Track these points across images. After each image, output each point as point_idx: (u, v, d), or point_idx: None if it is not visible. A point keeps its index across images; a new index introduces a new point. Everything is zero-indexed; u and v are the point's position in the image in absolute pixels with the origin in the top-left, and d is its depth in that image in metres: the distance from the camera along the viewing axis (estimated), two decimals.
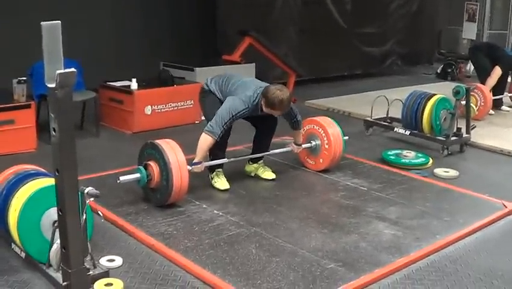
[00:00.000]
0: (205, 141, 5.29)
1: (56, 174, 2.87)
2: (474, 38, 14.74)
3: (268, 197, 5.52)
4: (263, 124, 5.90)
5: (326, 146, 6.11)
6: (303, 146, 6.19)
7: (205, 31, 10.85)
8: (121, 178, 4.98)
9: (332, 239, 4.57)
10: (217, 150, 5.54)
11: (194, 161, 5.30)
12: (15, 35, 8.82)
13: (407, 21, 13.85)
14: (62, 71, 2.55)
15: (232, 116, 5.32)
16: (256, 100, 5.41)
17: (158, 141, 5.10)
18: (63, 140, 2.65)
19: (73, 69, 2.58)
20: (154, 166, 5.04)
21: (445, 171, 6.34)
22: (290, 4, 11.11)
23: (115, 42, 10.25)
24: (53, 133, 2.74)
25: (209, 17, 10.48)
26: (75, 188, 2.95)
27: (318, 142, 6.18)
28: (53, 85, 2.61)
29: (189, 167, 5.13)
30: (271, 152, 6.06)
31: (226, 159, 5.63)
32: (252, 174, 6.02)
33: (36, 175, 4.18)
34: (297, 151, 6.20)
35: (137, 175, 5.07)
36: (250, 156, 6.00)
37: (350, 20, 12.40)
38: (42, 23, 2.52)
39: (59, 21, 2.55)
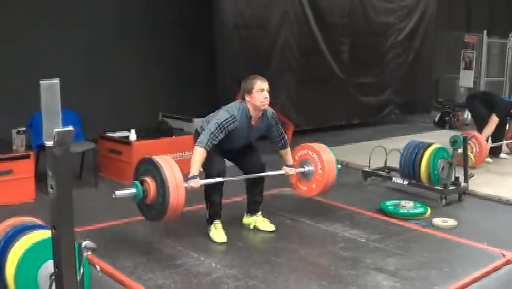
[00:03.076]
0: (196, 152, 5.33)
1: (53, 231, 2.88)
2: (471, 86, 14.89)
3: (267, 249, 5.50)
4: (247, 162, 5.90)
5: (320, 171, 6.12)
6: (297, 170, 6.19)
7: (204, 81, 10.94)
8: (117, 192, 4.93)
9: None
10: (213, 195, 5.54)
11: (189, 176, 5.25)
12: (15, 86, 8.90)
13: (404, 71, 13.98)
14: (60, 130, 2.57)
15: (219, 126, 5.39)
16: (241, 107, 5.55)
17: (156, 158, 5.07)
18: (61, 197, 2.66)
19: (71, 127, 2.60)
20: (150, 182, 4.99)
21: (443, 221, 6.34)
22: (288, 54, 11.21)
23: (114, 93, 10.33)
24: (51, 190, 2.75)
25: (208, 67, 10.57)
26: (72, 244, 2.95)
27: (311, 168, 6.19)
28: (51, 143, 2.63)
29: (185, 184, 5.09)
30: (266, 173, 5.98)
31: (221, 178, 5.51)
32: (251, 227, 6.00)
33: (34, 228, 4.17)
34: (291, 173, 6.16)
35: (133, 190, 5.02)
36: (244, 176, 5.92)
37: (347, 70, 12.51)
38: (41, 81, 2.56)
39: (58, 80, 2.59)
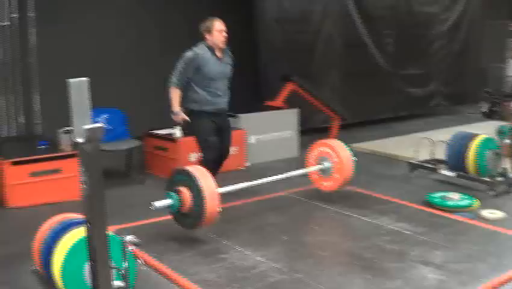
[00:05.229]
0: (171, 93, 6.52)
1: (88, 226, 2.93)
2: None
3: (311, 242, 5.49)
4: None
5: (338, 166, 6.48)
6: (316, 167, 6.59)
7: (248, 77, 10.95)
8: (156, 204, 5.17)
9: (375, 285, 4.52)
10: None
11: (172, 109, 6.47)
12: (60, 86, 9.01)
13: (450, 61, 13.78)
14: (89, 126, 2.62)
15: (183, 61, 6.38)
16: (202, 45, 6.46)
17: (189, 168, 5.36)
18: (93, 193, 2.70)
19: (100, 124, 2.65)
20: (185, 192, 5.19)
21: (491, 213, 6.23)
22: (332, 48, 11.15)
23: (159, 91, 10.39)
24: (84, 186, 2.81)
25: (251, 63, 10.58)
26: (105, 237, 3.00)
27: (329, 164, 6.53)
28: (81, 140, 2.68)
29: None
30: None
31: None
32: None
33: (80, 223, 4.25)
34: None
35: (169, 201, 5.23)
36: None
37: (393, 61, 12.39)
38: (69, 80, 2.61)
39: (86, 78, 2.64)
